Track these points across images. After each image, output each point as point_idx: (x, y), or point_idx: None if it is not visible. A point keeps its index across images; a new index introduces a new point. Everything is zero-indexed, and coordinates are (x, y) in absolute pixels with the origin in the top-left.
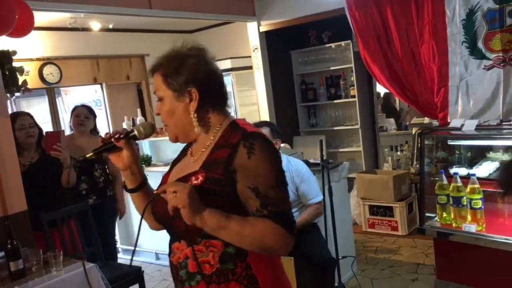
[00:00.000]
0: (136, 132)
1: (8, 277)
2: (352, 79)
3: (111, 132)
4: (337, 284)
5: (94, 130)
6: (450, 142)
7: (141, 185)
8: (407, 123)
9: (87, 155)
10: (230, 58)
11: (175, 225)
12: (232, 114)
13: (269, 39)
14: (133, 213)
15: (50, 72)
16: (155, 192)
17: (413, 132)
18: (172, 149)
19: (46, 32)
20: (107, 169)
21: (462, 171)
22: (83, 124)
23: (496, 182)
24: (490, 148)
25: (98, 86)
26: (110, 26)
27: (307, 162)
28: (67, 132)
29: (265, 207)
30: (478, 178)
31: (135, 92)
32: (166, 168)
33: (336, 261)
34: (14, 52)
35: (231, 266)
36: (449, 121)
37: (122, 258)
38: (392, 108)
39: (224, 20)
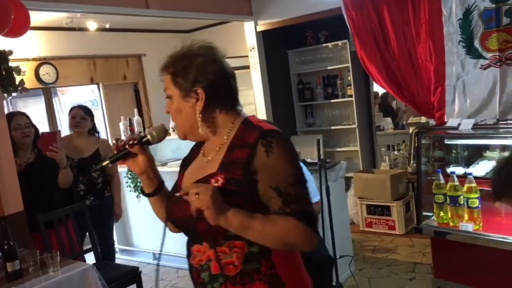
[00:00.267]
0: (149, 137)
1: (5, 278)
2: (349, 78)
3: (125, 139)
4: (335, 284)
5: (93, 130)
6: (447, 142)
7: (158, 189)
8: (404, 122)
9: (104, 163)
10: (227, 57)
11: (198, 227)
12: (244, 111)
13: (266, 39)
14: (131, 214)
15: (47, 72)
16: (177, 194)
17: (410, 132)
18: (170, 149)
19: (42, 32)
20: (105, 170)
21: (459, 170)
22: (79, 126)
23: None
24: (486, 147)
25: (94, 86)
26: (107, 26)
27: (304, 162)
28: (67, 132)
29: (287, 205)
30: (475, 177)
31: (132, 92)
32: (165, 168)
33: (334, 261)
34: (10, 52)
35: (256, 265)
36: (446, 120)
37: (120, 258)
38: (389, 108)
39: (221, 19)
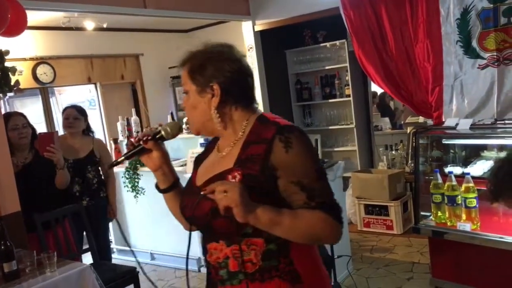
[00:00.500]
0: (163, 133)
1: (2, 279)
2: (347, 78)
3: (139, 135)
4: (333, 283)
5: (87, 130)
6: (445, 141)
7: (174, 185)
8: (402, 122)
9: (119, 159)
10: None
11: (213, 226)
12: (260, 109)
13: (264, 39)
14: (128, 214)
15: (44, 72)
16: (202, 193)
17: (408, 131)
18: (171, 149)
19: (39, 32)
20: (100, 171)
21: (457, 170)
22: (73, 126)
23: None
24: (484, 147)
25: (92, 86)
26: (104, 26)
27: None
28: (61, 132)
29: (312, 199)
30: (473, 177)
31: (130, 92)
32: None
33: (332, 260)
34: (7, 52)
35: (274, 263)
36: (443, 120)
37: (118, 258)
38: (387, 107)
39: (219, 19)
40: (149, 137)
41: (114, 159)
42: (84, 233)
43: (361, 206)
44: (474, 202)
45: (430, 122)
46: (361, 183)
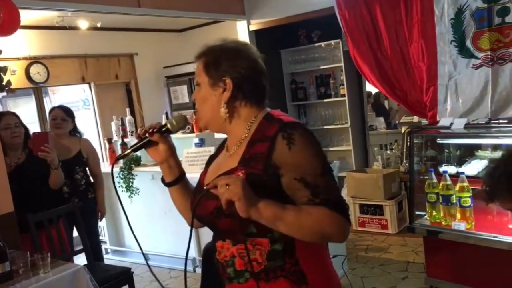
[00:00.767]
0: (169, 126)
1: None
2: (342, 78)
3: (145, 127)
4: None
5: (74, 131)
6: (439, 141)
7: (179, 179)
8: (397, 122)
9: (126, 152)
10: None
11: (218, 225)
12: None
13: (259, 38)
14: (123, 215)
15: (37, 72)
16: (205, 187)
17: (403, 131)
18: None
19: (33, 31)
20: (88, 171)
21: (451, 169)
22: (60, 127)
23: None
24: (479, 147)
25: (86, 86)
26: (98, 25)
27: None
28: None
29: (317, 196)
30: (467, 176)
31: (124, 91)
32: (156, 168)
33: None
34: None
35: (280, 262)
36: (438, 119)
37: (111, 259)
38: (381, 107)
39: (213, 19)
40: (155, 130)
41: (106, 159)
42: (74, 234)
43: (356, 205)
44: (468, 202)
45: (424, 121)
46: (356, 183)
